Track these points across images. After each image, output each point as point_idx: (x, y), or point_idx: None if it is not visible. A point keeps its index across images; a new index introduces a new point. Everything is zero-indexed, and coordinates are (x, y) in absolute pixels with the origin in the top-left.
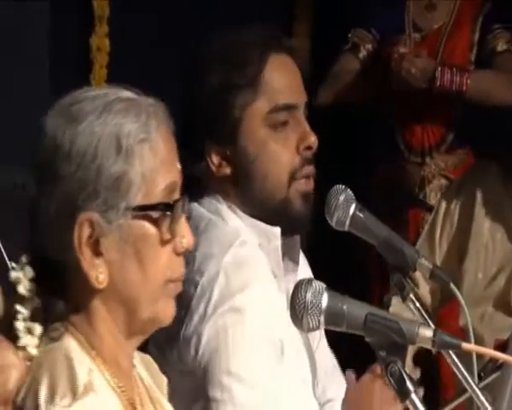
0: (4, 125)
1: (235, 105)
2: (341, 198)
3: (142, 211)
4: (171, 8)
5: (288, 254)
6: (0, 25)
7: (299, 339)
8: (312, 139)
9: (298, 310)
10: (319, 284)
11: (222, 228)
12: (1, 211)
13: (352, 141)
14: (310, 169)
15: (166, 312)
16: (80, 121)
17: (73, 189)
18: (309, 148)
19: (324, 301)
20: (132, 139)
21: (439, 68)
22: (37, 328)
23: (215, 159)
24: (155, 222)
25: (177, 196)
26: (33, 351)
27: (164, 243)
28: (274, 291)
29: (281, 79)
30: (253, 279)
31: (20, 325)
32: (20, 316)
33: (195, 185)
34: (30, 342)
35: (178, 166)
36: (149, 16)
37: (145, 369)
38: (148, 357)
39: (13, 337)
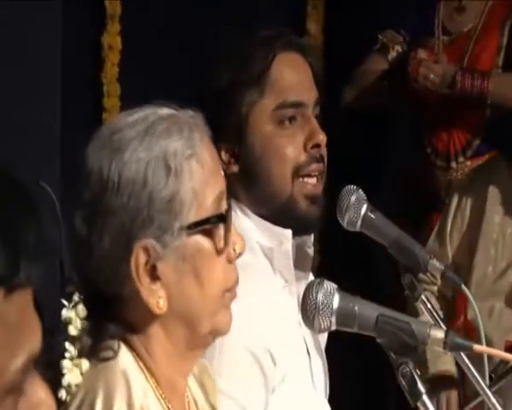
0: (15, 123)
1: (243, 103)
2: (353, 198)
3: (197, 227)
4: (183, 7)
5: (300, 257)
6: (11, 24)
7: (311, 341)
8: (320, 137)
9: (309, 311)
10: (330, 285)
11: None
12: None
13: (377, 141)
14: (317, 167)
15: (225, 322)
16: (124, 150)
17: (127, 220)
18: (317, 146)
19: (336, 301)
20: (180, 157)
21: (460, 73)
22: (84, 364)
23: (224, 157)
24: (210, 234)
25: (225, 204)
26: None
27: (219, 253)
28: (271, 297)
29: (289, 77)
30: (243, 288)
31: (67, 363)
32: (68, 355)
33: None
34: (74, 379)
35: (222, 173)
36: (161, 15)
37: (199, 384)
38: (204, 363)
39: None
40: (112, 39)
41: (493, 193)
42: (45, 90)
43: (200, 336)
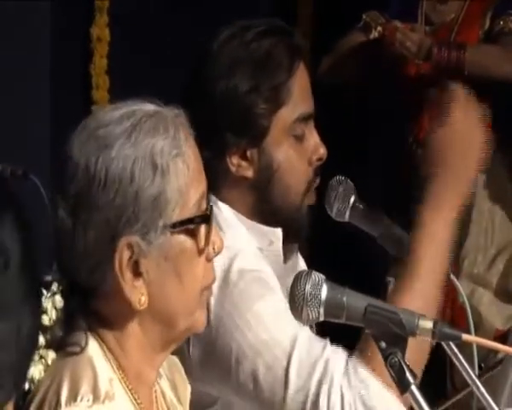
0: (4, 116)
1: (263, 110)
2: (341, 189)
3: (181, 226)
4: None
5: (287, 249)
6: (0, 14)
7: None
8: (323, 151)
9: (297, 302)
10: (318, 276)
11: None
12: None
13: (363, 130)
14: (317, 180)
15: (201, 321)
16: (111, 146)
17: (112, 216)
18: (319, 159)
19: (324, 292)
20: (166, 156)
21: (436, 44)
22: (51, 355)
23: (234, 158)
24: (192, 234)
25: (205, 203)
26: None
27: (200, 252)
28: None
29: (303, 87)
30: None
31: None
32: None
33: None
34: (37, 372)
35: (204, 173)
36: (150, 6)
37: (169, 379)
38: (174, 360)
39: None
40: (100, 31)
41: (484, 180)
42: (34, 82)
43: (176, 332)
